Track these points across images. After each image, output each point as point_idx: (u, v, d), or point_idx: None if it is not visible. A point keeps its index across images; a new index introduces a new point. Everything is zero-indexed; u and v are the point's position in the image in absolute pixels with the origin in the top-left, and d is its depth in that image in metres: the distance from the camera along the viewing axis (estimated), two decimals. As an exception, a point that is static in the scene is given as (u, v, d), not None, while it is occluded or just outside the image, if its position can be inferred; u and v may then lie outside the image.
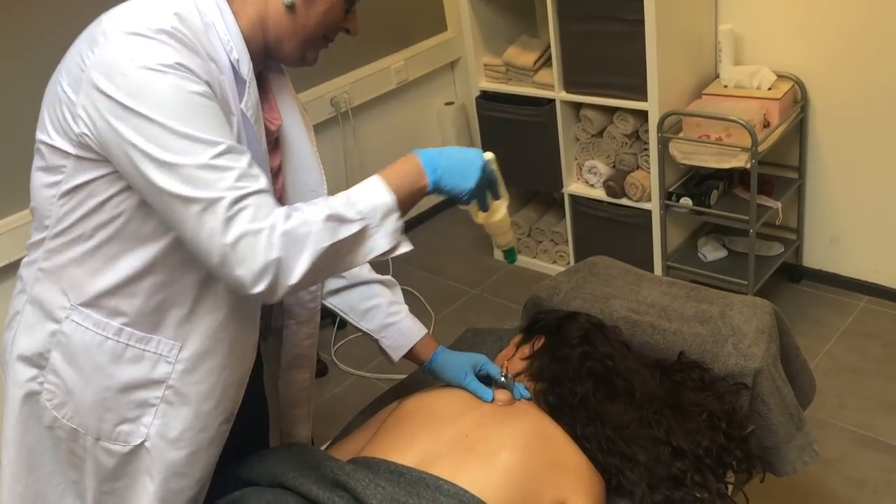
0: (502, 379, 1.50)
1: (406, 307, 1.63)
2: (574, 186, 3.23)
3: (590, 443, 1.47)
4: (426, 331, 1.63)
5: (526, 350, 1.65)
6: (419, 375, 1.89)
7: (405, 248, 1.23)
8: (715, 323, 1.77)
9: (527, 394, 1.55)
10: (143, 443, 1.28)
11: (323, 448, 1.73)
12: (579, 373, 1.56)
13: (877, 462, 2.32)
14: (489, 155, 1.32)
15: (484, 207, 1.38)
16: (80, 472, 1.31)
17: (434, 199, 4.07)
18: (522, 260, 3.58)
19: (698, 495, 1.43)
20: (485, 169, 1.29)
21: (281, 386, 1.60)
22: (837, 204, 3.00)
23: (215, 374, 1.29)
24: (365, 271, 1.60)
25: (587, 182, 3.20)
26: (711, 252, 3.11)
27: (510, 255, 1.52)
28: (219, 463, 1.39)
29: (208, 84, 1.10)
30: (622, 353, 1.63)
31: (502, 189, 1.39)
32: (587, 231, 3.26)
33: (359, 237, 1.15)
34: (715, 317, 1.78)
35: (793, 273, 3.19)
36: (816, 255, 3.15)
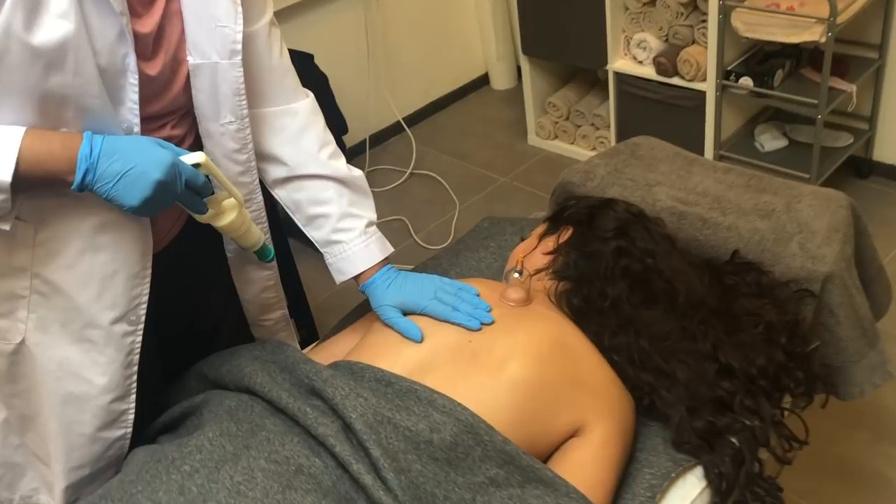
0: (516, 275, 1.25)
1: (365, 221, 1.29)
2: (620, 63, 2.89)
3: (619, 355, 1.23)
4: (380, 258, 1.29)
5: (550, 243, 1.39)
6: (449, 257, 1.65)
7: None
8: (778, 217, 1.48)
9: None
10: (23, 340, 1.09)
11: (305, 351, 1.52)
12: (612, 271, 1.30)
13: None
14: (197, 157, 1.05)
15: (199, 210, 1.11)
16: None
17: (462, 78, 3.75)
18: (558, 146, 3.28)
19: (748, 423, 1.18)
20: (177, 178, 1.02)
21: (238, 286, 1.37)
22: (921, 89, 2.63)
23: (86, 258, 1.08)
24: (319, 159, 1.28)
25: (635, 58, 2.86)
26: (770, 141, 2.79)
27: (263, 254, 1.27)
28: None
29: None
30: (665, 250, 1.36)
31: (230, 190, 1.14)
32: (632, 114, 2.94)
33: None
34: (779, 210, 1.49)
35: (861, 167, 2.87)
36: (889, 149, 2.81)
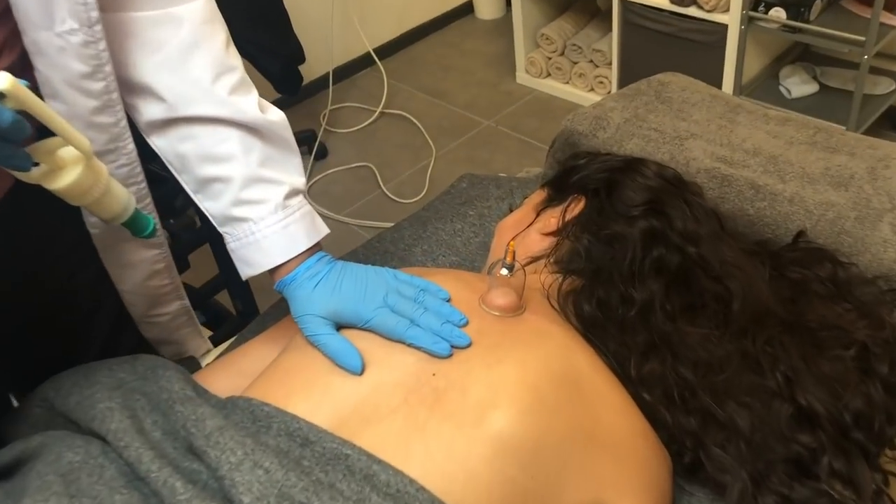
0: (504, 271, 0.85)
1: (284, 189, 0.86)
2: (627, -12, 2.47)
3: (651, 391, 0.84)
4: (305, 244, 0.86)
5: (552, 219, 0.99)
6: (414, 228, 1.25)
7: None
8: (860, 188, 1.09)
9: None
10: None
11: (211, 359, 1.12)
12: (641, 264, 0.91)
13: None
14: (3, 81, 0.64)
15: (16, 165, 0.70)
16: None
17: (442, 5, 3.30)
18: (551, 85, 2.86)
19: (837, 495, 0.81)
20: None
21: (113, 274, 0.98)
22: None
23: None
24: (215, 93, 0.84)
25: (645, -17, 2.43)
26: (798, 86, 2.41)
27: (136, 227, 0.85)
28: None
29: None
30: (712, 233, 0.97)
31: (68, 135, 0.72)
32: (638, 51, 2.55)
33: None
34: (859, 177, 1.10)
35: (900, 119, 2.49)
36: (937, 97, 2.42)
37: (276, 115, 0.89)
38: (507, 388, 0.76)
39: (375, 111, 2.85)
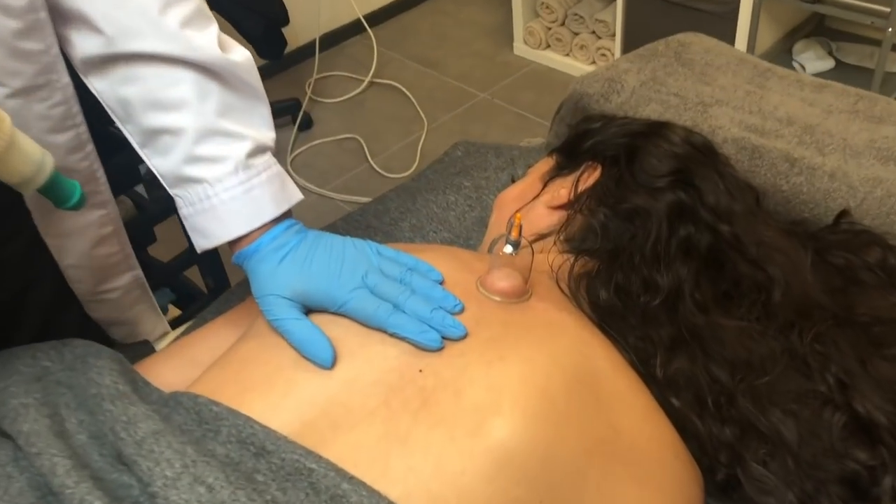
0: (508, 248, 0.70)
1: (247, 145, 0.71)
2: (634, -46, 2.32)
3: (680, 395, 0.71)
4: (272, 213, 0.71)
5: (562, 190, 0.85)
6: (402, 200, 1.11)
7: None
8: (911, 162, 0.96)
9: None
10: None
11: (167, 341, 0.98)
12: (667, 245, 0.77)
13: None
14: None
15: None
16: None
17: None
18: (550, 57, 2.71)
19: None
20: None
21: (51, 245, 0.83)
22: None
23: None
24: (164, 26, 0.69)
25: (654, -52, 2.28)
26: (813, 61, 2.29)
27: (57, 195, 0.65)
28: None
29: None
30: (748, 209, 0.84)
31: None
32: (644, 21, 2.42)
33: None
34: (911, 151, 0.97)
35: (919, 99, 2.35)
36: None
37: (239, 55, 0.74)
38: (511, 391, 0.62)
39: (364, 80, 2.69)
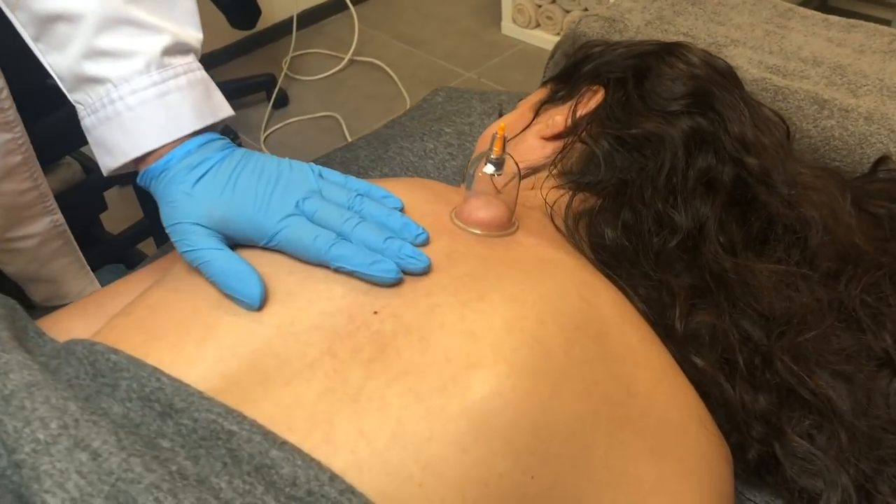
0: (489, 168, 0.56)
1: (164, 40, 0.56)
2: (631, -77, 2.19)
3: (704, 354, 0.57)
4: (192, 126, 0.56)
5: (557, 116, 0.71)
6: (373, 148, 0.97)
7: None
8: (960, 103, 0.83)
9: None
10: None
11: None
12: (685, 177, 0.64)
13: None
14: None
15: None
16: None
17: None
18: (540, 37, 2.59)
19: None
20: None
21: None
22: None
23: None
24: None
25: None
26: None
27: None
28: None
29: None
30: (779, 144, 0.71)
31: None
32: (640, -4, 2.25)
33: None
34: (959, 90, 0.84)
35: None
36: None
37: None
38: (493, 338, 0.48)
39: (344, 58, 2.55)
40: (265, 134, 2.28)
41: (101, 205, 1.42)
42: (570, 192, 0.65)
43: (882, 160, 0.81)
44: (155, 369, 0.47)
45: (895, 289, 0.62)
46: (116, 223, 1.49)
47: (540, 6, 2.55)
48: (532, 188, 0.68)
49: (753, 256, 0.62)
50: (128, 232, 1.48)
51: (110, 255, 1.48)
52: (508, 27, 2.64)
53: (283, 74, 2.45)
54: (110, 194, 1.41)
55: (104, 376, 0.48)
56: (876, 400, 0.56)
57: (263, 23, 2.49)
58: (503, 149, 0.56)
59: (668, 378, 0.54)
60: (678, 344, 0.57)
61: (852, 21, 0.99)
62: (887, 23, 1.94)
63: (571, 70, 0.76)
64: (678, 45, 0.74)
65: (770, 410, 0.56)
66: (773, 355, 0.57)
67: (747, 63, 0.92)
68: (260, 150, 2.22)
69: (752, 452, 0.57)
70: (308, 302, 0.50)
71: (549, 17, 2.55)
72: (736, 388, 0.56)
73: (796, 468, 0.55)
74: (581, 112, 0.69)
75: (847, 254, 0.64)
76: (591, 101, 0.70)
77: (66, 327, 0.63)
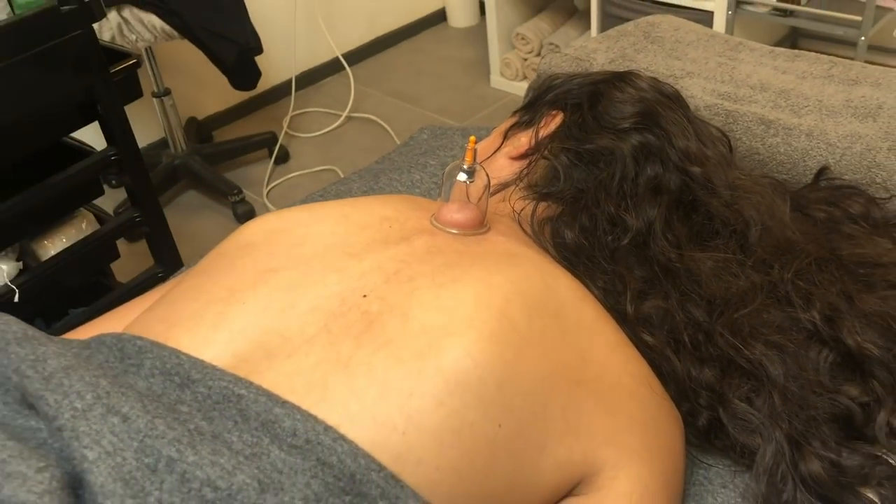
0: (462, 177, 0.65)
1: None
2: (606, -22, 2.33)
3: (654, 332, 0.65)
4: None
5: (523, 138, 0.80)
6: (364, 181, 1.06)
7: None
8: (890, 116, 0.92)
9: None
10: None
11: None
12: (634, 184, 0.72)
13: None
14: None
15: None
16: None
17: (414, 12, 3.16)
18: (525, 88, 2.70)
19: (898, 462, 0.62)
20: None
21: None
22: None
23: None
24: None
25: (625, -29, 2.29)
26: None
27: None
28: None
29: None
30: (720, 156, 0.79)
31: None
32: (619, 45, 2.37)
33: None
34: (890, 105, 0.94)
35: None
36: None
37: None
38: (465, 311, 0.56)
39: (341, 115, 2.67)
40: (268, 188, 2.38)
41: (114, 253, 1.51)
42: (535, 202, 0.74)
43: (822, 170, 0.90)
44: (175, 350, 0.55)
45: (822, 273, 0.70)
46: (130, 269, 1.58)
47: (526, 59, 2.68)
48: (503, 200, 0.76)
49: (697, 249, 0.70)
50: (137, 279, 1.57)
51: (120, 304, 1.56)
52: (497, 80, 2.77)
53: (283, 132, 2.56)
54: (121, 244, 1.50)
55: (130, 358, 0.56)
56: (806, 366, 0.64)
57: (264, 84, 2.62)
58: (474, 159, 0.65)
59: (621, 349, 0.62)
60: (631, 325, 0.65)
61: (796, 52, 1.09)
62: (857, 25, 2.03)
63: (535, 100, 0.86)
64: (629, 72, 0.83)
65: (714, 379, 0.64)
66: (714, 331, 0.64)
67: (701, 91, 1.02)
68: (263, 203, 2.33)
69: (701, 420, 0.64)
70: (307, 288, 0.59)
71: (534, 69, 2.67)
72: (683, 361, 0.64)
73: (738, 427, 0.62)
74: (543, 133, 0.79)
75: (781, 245, 0.72)
76: (552, 123, 0.79)
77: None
